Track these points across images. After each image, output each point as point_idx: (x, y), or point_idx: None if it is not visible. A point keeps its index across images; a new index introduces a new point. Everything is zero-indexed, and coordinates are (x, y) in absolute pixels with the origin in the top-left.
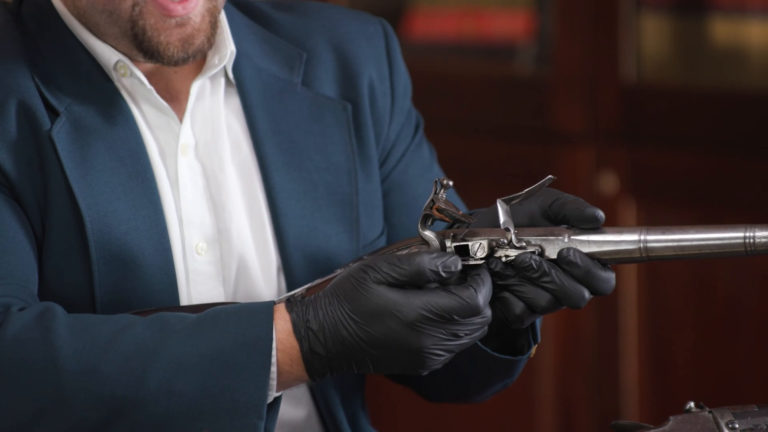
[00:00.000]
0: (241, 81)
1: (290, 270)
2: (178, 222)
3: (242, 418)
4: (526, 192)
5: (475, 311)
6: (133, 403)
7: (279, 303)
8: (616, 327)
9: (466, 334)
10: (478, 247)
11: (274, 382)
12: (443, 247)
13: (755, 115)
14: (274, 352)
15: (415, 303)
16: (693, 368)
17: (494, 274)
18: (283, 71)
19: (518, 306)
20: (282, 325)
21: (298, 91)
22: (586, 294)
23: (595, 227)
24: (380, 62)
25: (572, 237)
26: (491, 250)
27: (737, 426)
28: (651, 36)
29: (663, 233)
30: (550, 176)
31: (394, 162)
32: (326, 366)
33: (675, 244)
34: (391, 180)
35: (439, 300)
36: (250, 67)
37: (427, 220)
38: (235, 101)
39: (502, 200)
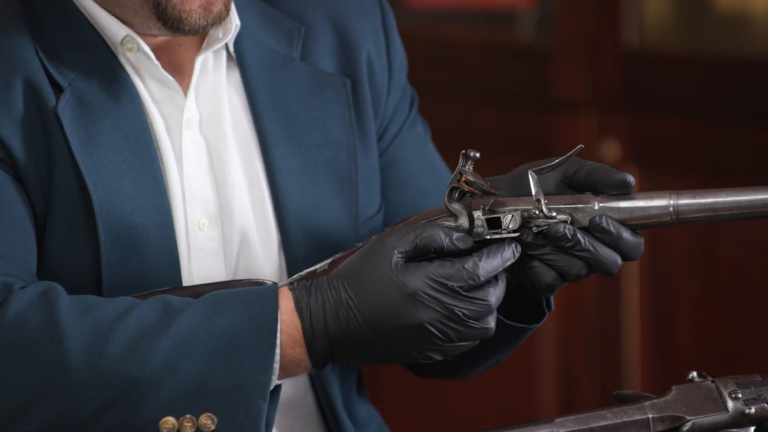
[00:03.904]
0: (241, 55)
1: (289, 246)
2: (181, 198)
3: (246, 399)
4: (557, 161)
5: (473, 279)
6: (137, 383)
7: (282, 285)
8: (618, 297)
9: (465, 315)
10: (511, 219)
11: (277, 365)
12: (471, 219)
13: (760, 81)
14: (278, 333)
15: (417, 273)
16: (696, 338)
17: (525, 245)
18: (282, 45)
19: (550, 275)
20: (285, 304)
21: (297, 65)
22: (619, 260)
23: (625, 192)
24: (377, 36)
25: (601, 204)
26: (524, 221)
27: (740, 396)
28: (653, 1)
29: (694, 197)
30: (580, 145)
31: (391, 138)
32: (328, 351)
33: (707, 207)
34: (388, 156)
35: (440, 268)
36: (251, 41)
37: (453, 192)
38: (236, 76)
39: (533, 170)
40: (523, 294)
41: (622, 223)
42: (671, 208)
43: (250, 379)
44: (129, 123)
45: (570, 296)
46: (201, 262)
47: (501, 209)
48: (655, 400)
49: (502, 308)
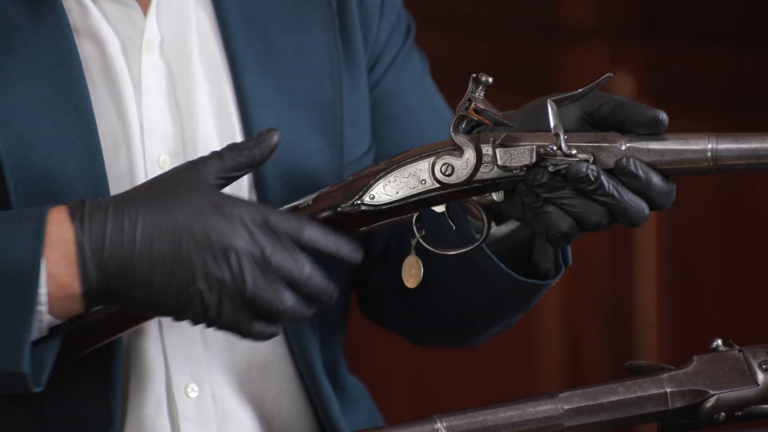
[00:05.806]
0: None
1: (263, 187)
2: (139, 130)
3: (3, 330)
4: (580, 91)
5: (300, 234)
6: None
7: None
8: (631, 253)
9: (273, 259)
10: (523, 155)
11: (43, 290)
12: (479, 154)
13: None
14: (43, 248)
15: (241, 203)
16: (721, 301)
17: (540, 186)
18: None
19: (566, 222)
20: (56, 216)
21: None
22: (647, 209)
23: (656, 132)
24: None
25: (629, 144)
26: (539, 158)
27: None
28: None
29: (736, 141)
30: (609, 74)
31: (384, 68)
32: (99, 266)
33: (751, 153)
34: (381, 89)
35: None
36: None
37: (461, 122)
38: None
39: (552, 100)
40: (535, 247)
41: (652, 167)
42: (709, 153)
43: (7, 306)
44: (52, 53)
45: (576, 251)
46: None
47: (513, 144)
48: (673, 372)
49: (512, 264)
